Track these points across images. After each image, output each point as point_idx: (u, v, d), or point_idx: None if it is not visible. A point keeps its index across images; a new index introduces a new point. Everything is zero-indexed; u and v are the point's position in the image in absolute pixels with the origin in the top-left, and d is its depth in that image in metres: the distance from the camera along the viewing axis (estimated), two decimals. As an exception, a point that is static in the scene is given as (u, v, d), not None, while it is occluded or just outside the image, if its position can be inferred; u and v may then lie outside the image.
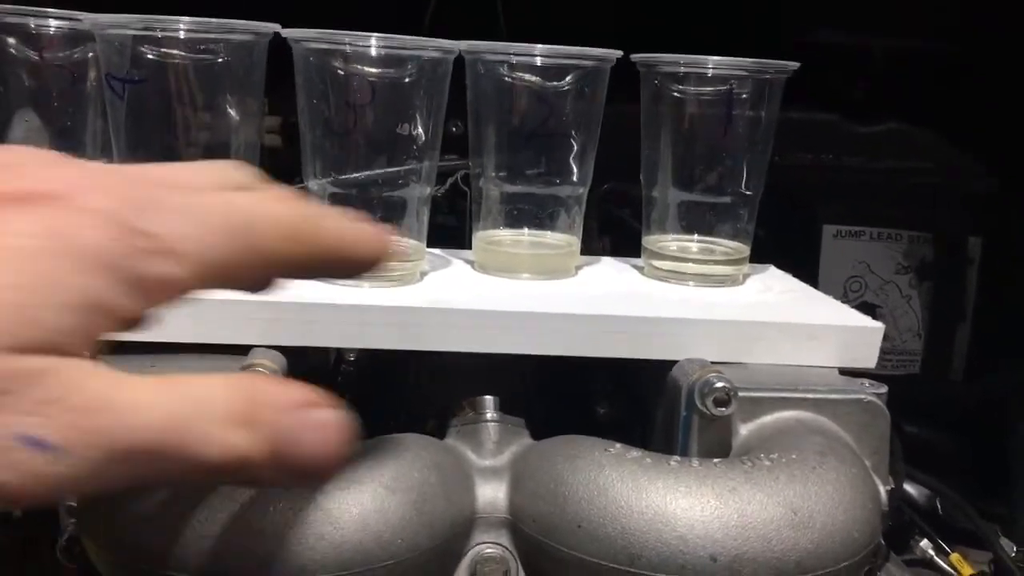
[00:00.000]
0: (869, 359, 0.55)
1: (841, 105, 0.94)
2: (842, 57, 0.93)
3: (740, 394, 0.49)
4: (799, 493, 0.44)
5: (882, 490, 0.49)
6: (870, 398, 0.51)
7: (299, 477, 0.26)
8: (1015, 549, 0.76)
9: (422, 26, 0.84)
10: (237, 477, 0.26)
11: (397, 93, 0.54)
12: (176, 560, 0.40)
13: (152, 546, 0.40)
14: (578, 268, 0.64)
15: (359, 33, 0.52)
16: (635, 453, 0.46)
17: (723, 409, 0.48)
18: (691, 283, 0.62)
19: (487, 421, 0.50)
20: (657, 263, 0.63)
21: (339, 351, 0.63)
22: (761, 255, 0.68)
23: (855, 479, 0.46)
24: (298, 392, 0.26)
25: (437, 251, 0.65)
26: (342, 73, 0.53)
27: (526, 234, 0.62)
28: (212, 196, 0.27)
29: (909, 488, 0.79)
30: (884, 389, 0.52)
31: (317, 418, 0.26)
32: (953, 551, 0.76)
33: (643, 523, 0.43)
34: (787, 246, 0.90)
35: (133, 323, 0.26)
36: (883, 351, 0.91)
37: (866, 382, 0.53)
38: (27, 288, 0.23)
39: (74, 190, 0.25)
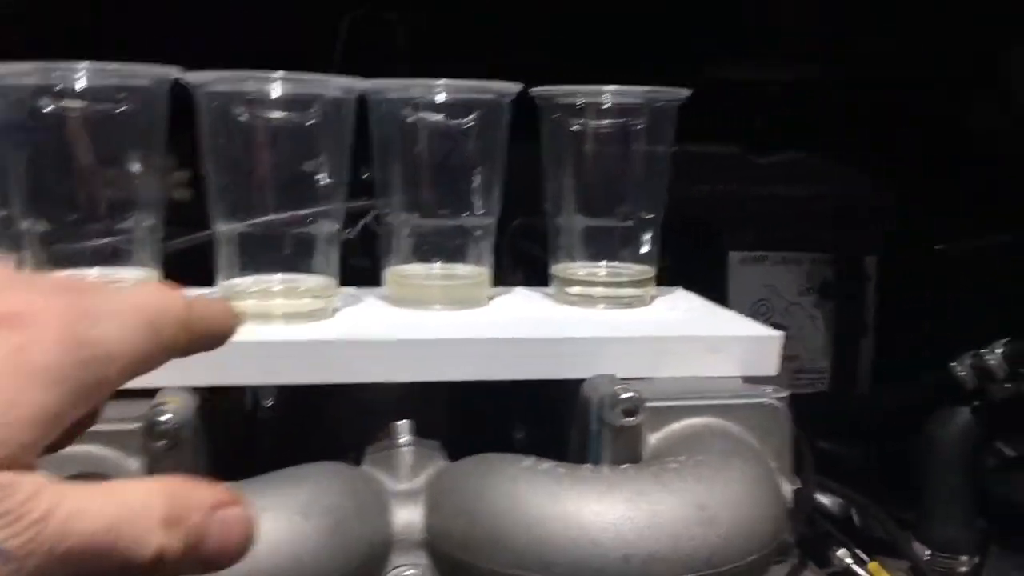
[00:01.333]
0: (770, 367, 0.58)
1: (742, 137, 0.99)
2: (741, 91, 0.98)
3: (647, 404, 0.50)
4: (705, 492, 0.46)
5: (786, 488, 0.51)
6: (771, 402, 0.53)
7: (210, 567, 0.30)
8: (928, 554, 0.79)
9: (331, 62, 0.86)
10: (161, 571, 0.29)
11: (301, 133, 0.55)
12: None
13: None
14: (490, 298, 0.65)
15: (260, 74, 0.53)
16: (547, 465, 0.47)
17: (631, 419, 0.50)
18: (601, 306, 0.64)
19: (402, 446, 0.51)
20: (567, 289, 0.65)
21: (255, 392, 0.62)
22: (672, 283, 0.71)
23: (758, 478, 0.48)
24: (213, 493, 0.30)
25: (351, 289, 0.66)
26: (245, 116, 0.54)
27: (437, 266, 0.63)
28: (120, 298, 0.31)
29: (825, 500, 0.82)
30: (786, 394, 0.55)
31: (227, 516, 0.30)
32: (872, 560, 0.78)
33: (557, 531, 0.44)
34: (696, 273, 0.93)
35: (79, 426, 0.30)
36: (793, 370, 0.95)
37: (769, 388, 0.55)
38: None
39: (28, 310, 0.27)
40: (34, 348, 0.27)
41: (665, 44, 0.97)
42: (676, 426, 0.52)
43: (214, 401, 0.50)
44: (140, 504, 0.28)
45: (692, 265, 0.93)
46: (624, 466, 0.47)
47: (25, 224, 0.54)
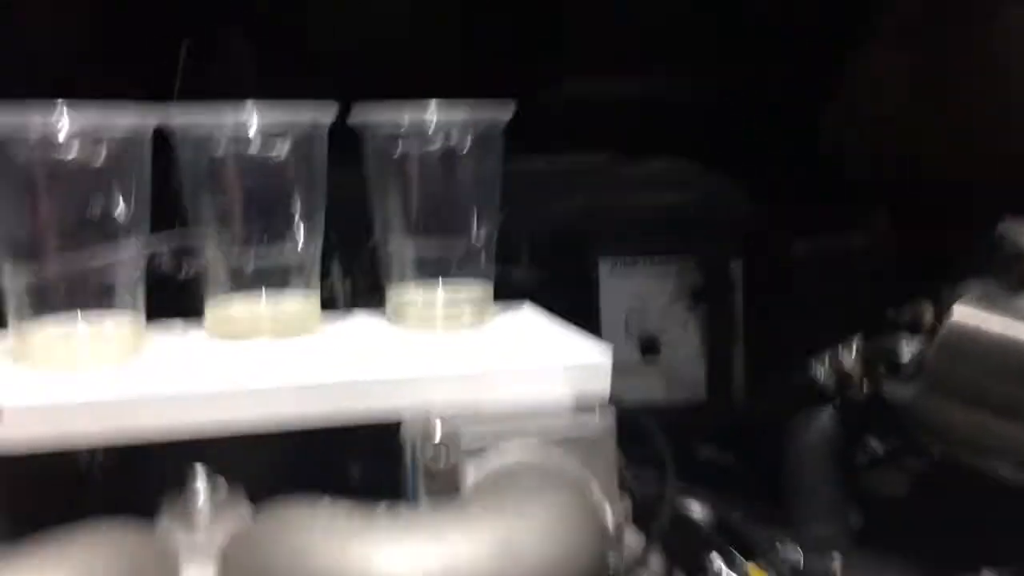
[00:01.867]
0: (600, 392, 0.56)
1: (609, 148, 0.98)
2: (607, 104, 0.97)
3: (465, 442, 0.49)
4: (509, 529, 0.44)
5: (608, 514, 0.50)
6: (593, 430, 0.52)
7: None
8: (800, 552, 0.79)
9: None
10: None
11: (91, 173, 0.52)
12: None
13: None
14: (323, 325, 0.63)
15: (46, 104, 0.50)
16: (344, 510, 0.45)
17: (443, 460, 0.48)
18: (438, 329, 0.62)
19: (198, 496, 0.48)
20: (401, 312, 0.63)
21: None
22: (542, 294, 0.70)
23: (571, 507, 0.47)
24: None
25: (170, 322, 0.63)
26: (26, 158, 0.51)
27: (263, 295, 0.61)
28: None
29: (696, 508, 0.81)
30: (611, 419, 0.53)
31: None
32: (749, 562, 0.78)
33: (349, 582, 0.42)
34: (567, 283, 0.93)
35: None
36: (668, 378, 0.95)
37: (596, 411, 0.54)
38: None
39: None
40: None
41: (529, 58, 0.96)
42: (495, 462, 0.50)
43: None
44: None
45: (562, 275, 0.92)
46: (422, 508, 0.46)
47: None
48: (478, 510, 0.45)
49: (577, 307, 0.72)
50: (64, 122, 0.50)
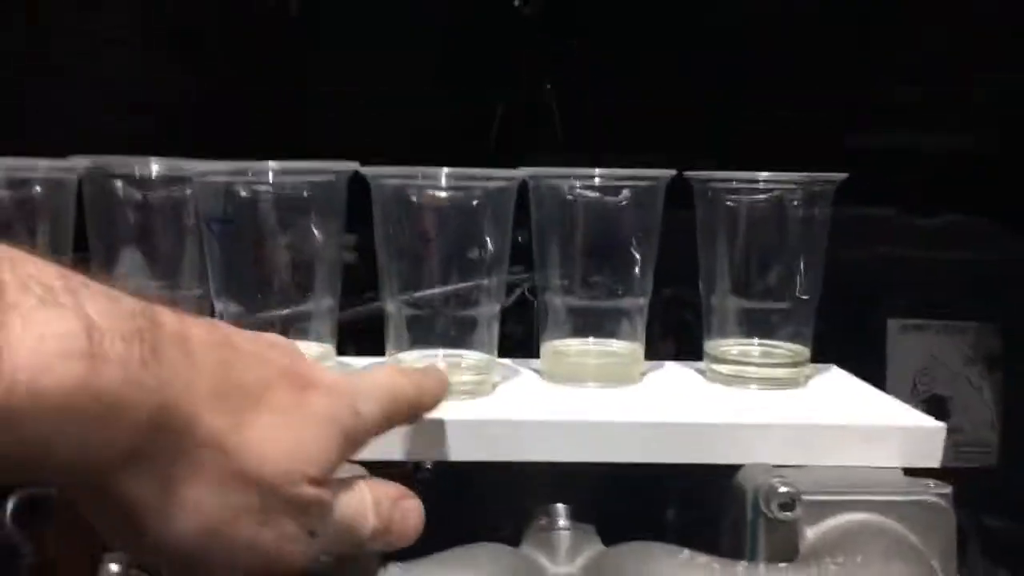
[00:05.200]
0: (932, 458, 0.56)
1: (897, 200, 0.96)
2: (895, 154, 0.96)
3: (805, 497, 0.50)
4: (866, 597, 0.45)
5: (951, 591, 0.50)
6: (934, 499, 0.52)
7: (393, 544, 0.45)
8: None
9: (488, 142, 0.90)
10: (370, 543, 0.44)
11: (465, 220, 0.58)
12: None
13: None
14: (643, 374, 0.66)
15: (430, 169, 0.56)
16: (703, 559, 0.48)
17: (788, 513, 0.50)
18: (753, 387, 0.64)
19: (560, 529, 0.52)
20: (718, 367, 0.65)
21: (416, 464, 0.66)
22: (827, 352, 0.69)
23: (922, 581, 0.47)
24: (397, 489, 0.45)
25: (507, 361, 0.68)
26: (416, 205, 0.57)
27: (592, 343, 0.65)
28: (375, 382, 0.45)
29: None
30: (948, 489, 0.53)
31: (406, 506, 0.45)
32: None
33: (712, 629, 0.44)
34: (853, 342, 0.91)
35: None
36: (957, 443, 0.92)
37: (931, 482, 0.54)
38: (322, 443, 0.40)
39: (331, 383, 0.42)
40: (341, 411, 0.41)
41: (816, 114, 0.96)
42: (834, 521, 0.51)
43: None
44: (362, 496, 0.43)
45: (849, 333, 0.91)
46: (782, 565, 0.47)
47: (219, 305, 0.59)
48: (833, 573, 0.46)
49: (862, 366, 0.71)
50: (444, 179, 0.57)
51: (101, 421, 0.32)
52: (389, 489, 0.44)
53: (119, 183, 0.63)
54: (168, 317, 0.36)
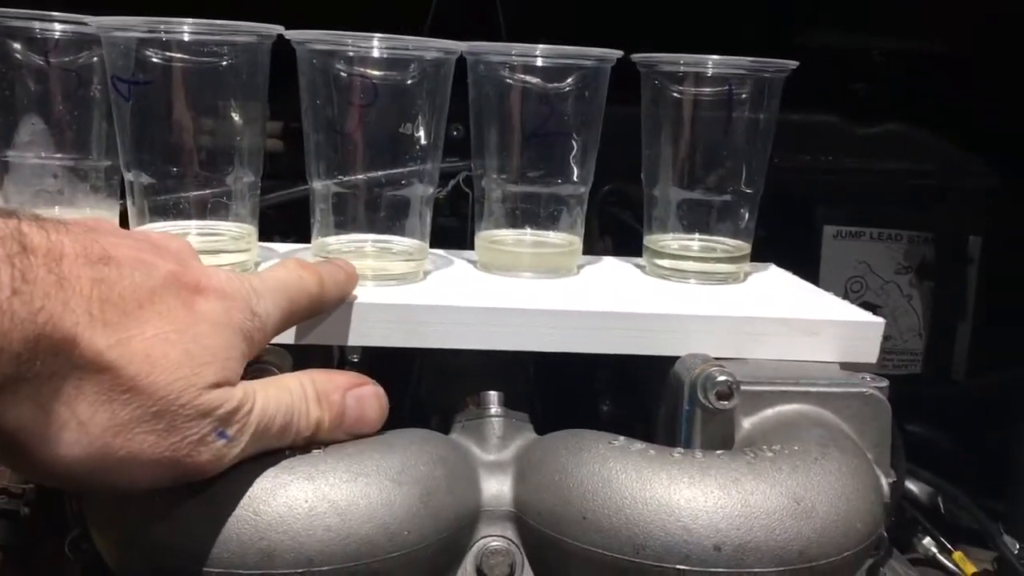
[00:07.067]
0: (870, 354, 0.56)
1: (840, 107, 0.95)
2: (840, 59, 0.94)
3: (742, 388, 0.49)
4: (802, 483, 0.45)
5: (884, 482, 0.50)
6: (871, 391, 0.51)
7: (354, 434, 0.45)
8: (1017, 546, 0.77)
9: (423, 26, 0.85)
10: (316, 439, 0.43)
11: (400, 94, 0.54)
12: (185, 553, 0.40)
13: (161, 540, 0.41)
14: (580, 267, 0.64)
15: (362, 34, 0.52)
16: (639, 445, 0.46)
17: (725, 403, 0.49)
18: (692, 281, 0.63)
19: (491, 416, 0.51)
20: (659, 261, 0.64)
21: (342, 350, 0.63)
22: (762, 256, 0.69)
23: (857, 470, 0.47)
24: (347, 378, 0.45)
25: (440, 252, 0.65)
26: (345, 75, 0.53)
27: (528, 233, 0.62)
28: (272, 279, 0.44)
29: (912, 486, 0.79)
30: (885, 383, 0.53)
31: (361, 393, 0.45)
32: (956, 550, 0.76)
33: (648, 513, 0.43)
34: (788, 247, 0.91)
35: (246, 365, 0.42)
36: (885, 351, 0.92)
37: (867, 376, 0.53)
38: (218, 347, 0.39)
39: (225, 285, 0.41)
40: (234, 313, 0.41)
41: (761, 10, 0.93)
42: (770, 412, 0.51)
43: (308, 358, 0.51)
44: (299, 389, 0.42)
45: (784, 238, 0.90)
46: (717, 452, 0.46)
47: (130, 176, 0.54)
48: (771, 460, 0.45)
49: (796, 270, 0.71)
50: (377, 45, 0.53)
51: None
52: (338, 379, 0.44)
53: (17, 45, 0.58)
54: (38, 237, 0.35)
